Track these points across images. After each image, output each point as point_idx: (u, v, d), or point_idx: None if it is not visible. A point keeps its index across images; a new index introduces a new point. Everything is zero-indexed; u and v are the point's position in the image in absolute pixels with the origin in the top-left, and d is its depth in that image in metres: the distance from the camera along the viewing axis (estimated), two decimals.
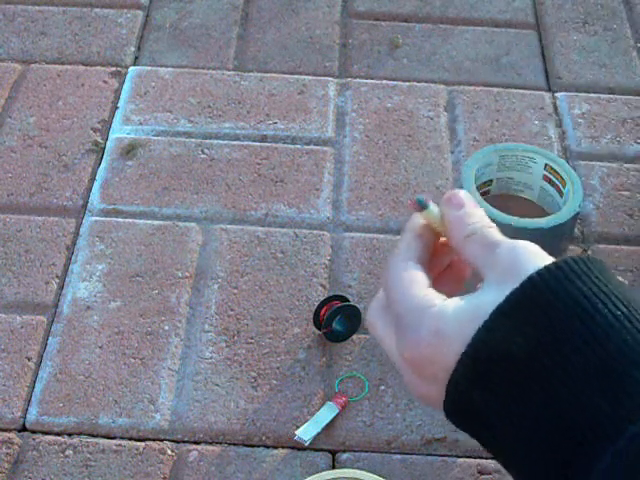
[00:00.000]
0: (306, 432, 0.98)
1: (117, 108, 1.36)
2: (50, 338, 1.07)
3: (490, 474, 0.96)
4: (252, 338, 1.08)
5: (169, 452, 0.97)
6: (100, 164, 1.28)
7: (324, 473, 0.94)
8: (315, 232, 1.19)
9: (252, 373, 1.04)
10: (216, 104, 1.37)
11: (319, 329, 1.07)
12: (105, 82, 1.40)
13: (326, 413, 1.00)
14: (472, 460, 0.98)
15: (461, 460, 0.98)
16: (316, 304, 1.07)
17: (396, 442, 0.99)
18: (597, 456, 0.35)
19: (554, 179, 1.20)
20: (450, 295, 0.42)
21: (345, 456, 0.98)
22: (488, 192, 1.24)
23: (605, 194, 1.26)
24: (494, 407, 0.38)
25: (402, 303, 0.42)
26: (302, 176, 1.27)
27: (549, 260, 0.39)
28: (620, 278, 1.13)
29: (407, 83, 1.41)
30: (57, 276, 1.13)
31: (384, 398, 1.03)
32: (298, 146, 1.31)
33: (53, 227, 1.19)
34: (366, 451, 0.98)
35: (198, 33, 1.50)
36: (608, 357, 0.36)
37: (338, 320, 1.05)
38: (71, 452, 0.97)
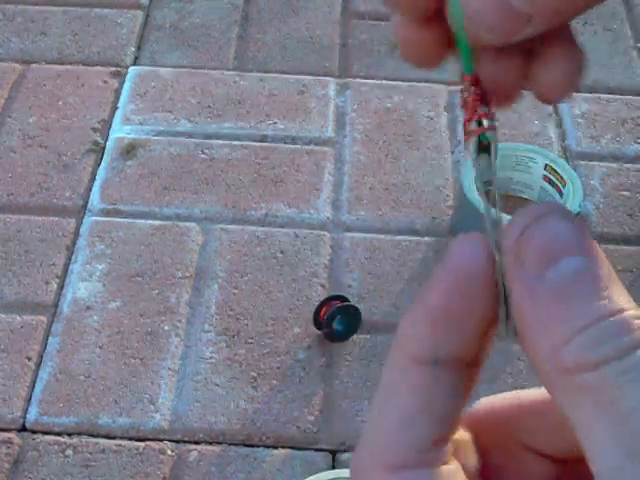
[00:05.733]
0: None
1: (117, 108, 1.36)
2: (50, 338, 1.07)
3: None
4: (252, 338, 1.08)
5: (169, 452, 0.97)
6: (100, 164, 1.28)
7: (324, 473, 0.94)
8: (315, 232, 1.19)
9: (252, 373, 1.05)
10: (216, 104, 1.37)
11: (319, 329, 1.07)
12: (105, 82, 1.40)
13: None
14: None
15: None
16: (316, 304, 1.07)
17: None
18: None
19: (554, 179, 1.21)
20: None
21: (345, 456, 0.98)
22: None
23: (605, 194, 1.26)
24: None
25: None
26: (302, 176, 1.27)
27: None
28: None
29: (407, 83, 1.41)
30: (57, 276, 1.13)
31: None
32: (298, 146, 1.31)
33: (53, 227, 1.19)
34: None
35: (198, 33, 1.50)
36: None
37: (338, 320, 1.05)
38: (71, 452, 0.97)
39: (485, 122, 0.25)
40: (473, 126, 0.25)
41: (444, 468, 0.22)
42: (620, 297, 0.21)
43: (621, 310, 0.21)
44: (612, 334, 0.20)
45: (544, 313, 0.21)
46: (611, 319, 0.20)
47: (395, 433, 0.21)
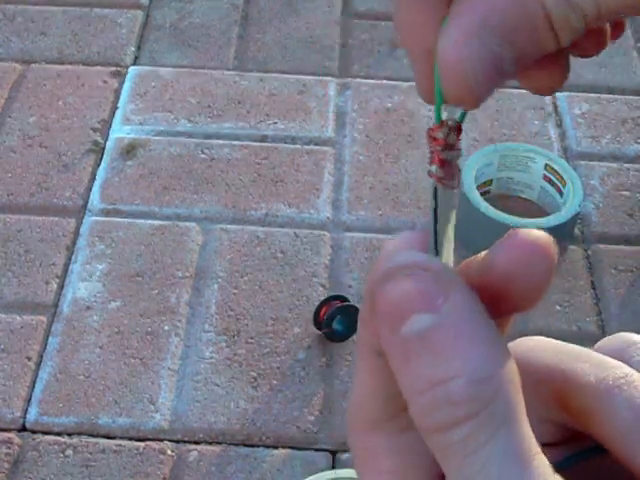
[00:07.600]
0: None
1: (117, 108, 1.36)
2: (50, 338, 1.07)
3: None
4: (252, 338, 1.08)
5: (169, 452, 0.97)
6: (100, 164, 1.28)
7: (324, 473, 0.94)
8: (315, 232, 1.19)
9: (252, 373, 1.05)
10: (216, 104, 1.37)
11: (319, 329, 1.07)
12: (105, 82, 1.40)
13: None
14: None
15: None
16: (316, 304, 1.07)
17: None
18: None
19: (554, 179, 1.21)
20: None
21: (345, 456, 0.98)
22: (488, 192, 1.24)
23: (605, 194, 1.26)
24: None
25: None
26: (302, 176, 1.27)
27: None
28: (620, 278, 1.13)
29: (407, 83, 1.41)
30: (57, 276, 1.13)
31: None
32: (298, 146, 1.31)
33: (53, 227, 1.19)
34: None
35: (198, 33, 1.50)
36: None
37: (338, 320, 1.05)
38: (71, 452, 0.97)
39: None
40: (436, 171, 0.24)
41: (404, 435, 0.23)
42: (462, 358, 0.20)
43: (452, 378, 0.19)
44: (436, 405, 0.20)
45: (395, 366, 0.21)
46: (438, 388, 0.20)
47: (359, 405, 0.23)
